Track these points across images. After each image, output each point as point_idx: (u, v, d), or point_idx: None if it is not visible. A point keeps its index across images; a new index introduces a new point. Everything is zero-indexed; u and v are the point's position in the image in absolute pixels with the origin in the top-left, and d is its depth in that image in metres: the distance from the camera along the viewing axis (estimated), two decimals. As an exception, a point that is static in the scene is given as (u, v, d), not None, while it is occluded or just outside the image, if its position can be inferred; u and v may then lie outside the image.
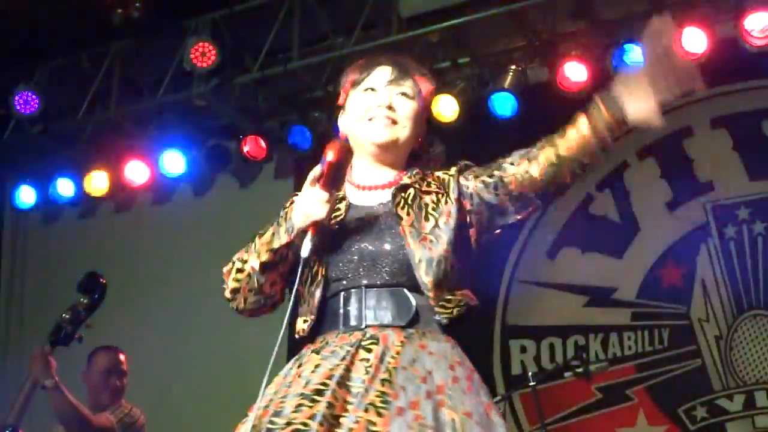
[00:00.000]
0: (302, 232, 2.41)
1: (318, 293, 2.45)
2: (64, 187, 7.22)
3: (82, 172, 7.15)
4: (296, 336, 2.51)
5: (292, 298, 2.45)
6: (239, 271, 2.54)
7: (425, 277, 2.39)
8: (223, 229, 6.52)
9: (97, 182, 7.10)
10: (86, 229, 7.59)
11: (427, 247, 2.41)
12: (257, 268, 2.50)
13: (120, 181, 7.07)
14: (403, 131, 2.56)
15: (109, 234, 7.43)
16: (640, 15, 5.40)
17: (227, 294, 2.58)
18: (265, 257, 2.49)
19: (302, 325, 2.51)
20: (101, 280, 4.51)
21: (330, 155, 2.41)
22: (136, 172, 7.03)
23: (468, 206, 2.50)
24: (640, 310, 5.97)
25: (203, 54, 6.27)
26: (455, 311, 2.42)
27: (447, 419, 2.23)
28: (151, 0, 6.55)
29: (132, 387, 5.23)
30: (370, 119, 2.55)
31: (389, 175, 2.59)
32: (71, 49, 6.86)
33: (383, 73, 2.60)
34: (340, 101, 2.71)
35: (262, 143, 6.70)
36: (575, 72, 5.80)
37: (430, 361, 2.33)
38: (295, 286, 2.45)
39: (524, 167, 2.44)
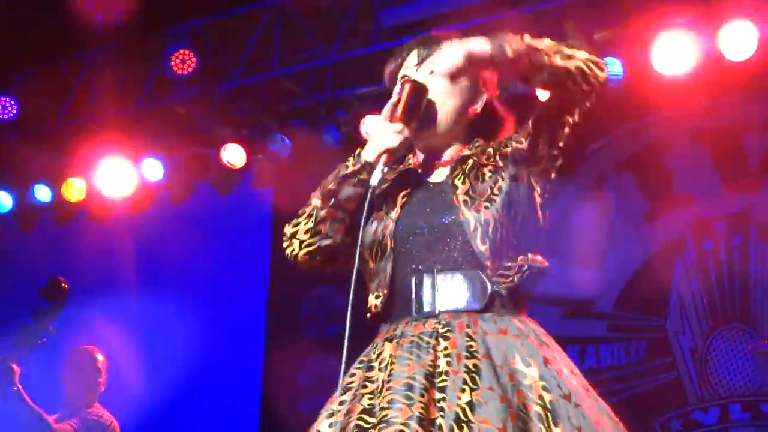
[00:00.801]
0: (371, 165, 2.37)
1: (389, 268, 2.37)
2: (42, 193, 7.18)
3: (59, 178, 7.11)
4: (368, 313, 2.43)
5: (353, 277, 2.33)
6: (300, 215, 2.50)
7: (481, 245, 2.31)
8: (202, 237, 6.50)
9: (75, 188, 7.06)
10: (63, 236, 7.55)
11: (482, 213, 2.34)
12: (320, 201, 2.45)
13: (97, 188, 7.04)
14: (440, 110, 2.47)
15: (87, 240, 7.39)
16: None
17: (284, 242, 2.52)
18: (330, 186, 2.44)
19: (374, 301, 2.42)
20: (63, 285, 4.48)
21: (408, 85, 2.39)
22: (114, 178, 6.99)
23: (520, 168, 2.44)
24: (617, 322, 5.99)
25: (183, 61, 6.25)
26: (516, 278, 2.34)
27: (536, 405, 2.15)
28: (132, 7, 6.53)
29: (109, 389, 5.22)
30: None
31: (451, 150, 2.53)
32: (51, 54, 6.83)
33: (412, 57, 2.55)
34: None
35: (242, 151, 6.68)
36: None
37: (512, 345, 2.25)
38: (368, 221, 2.39)
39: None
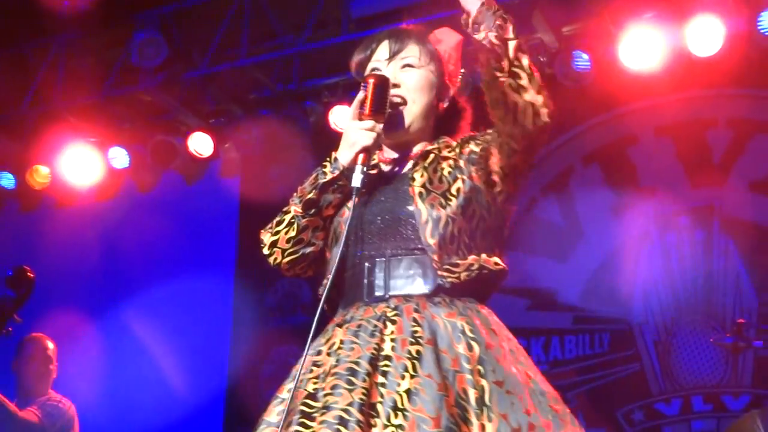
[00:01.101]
0: (349, 169, 2.38)
1: (339, 254, 2.37)
2: (5, 180, 7.11)
3: (24, 165, 7.04)
4: (319, 295, 2.43)
5: (335, 263, 2.35)
6: (278, 223, 2.50)
7: (430, 239, 2.33)
8: (169, 226, 6.46)
9: (39, 176, 7.00)
10: (27, 223, 7.48)
11: (436, 208, 2.36)
12: (300, 210, 2.45)
13: (63, 175, 6.97)
14: (412, 107, 2.50)
15: (52, 228, 7.33)
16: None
17: (264, 250, 2.52)
18: (310, 195, 2.44)
19: (321, 288, 2.45)
20: (29, 274, 4.45)
21: (372, 80, 2.40)
22: (80, 166, 6.92)
23: (478, 169, 2.43)
24: (582, 314, 6.03)
25: (150, 49, 6.20)
26: (463, 275, 2.34)
27: (473, 390, 2.17)
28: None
29: (73, 377, 5.20)
30: None
31: (420, 146, 2.54)
32: (16, 40, 6.76)
33: (383, 49, 2.55)
34: None
35: (209, 140, 6.64)
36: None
37: (458, 329, 2.26)
38: (351, 219, 2.36)
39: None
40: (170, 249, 6.91)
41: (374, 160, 2.54)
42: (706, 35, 5.44)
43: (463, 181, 2.41)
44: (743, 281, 5.71)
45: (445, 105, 2.58)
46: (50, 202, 7.41)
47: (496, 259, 2.41)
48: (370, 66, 2.55)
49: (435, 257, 2.33)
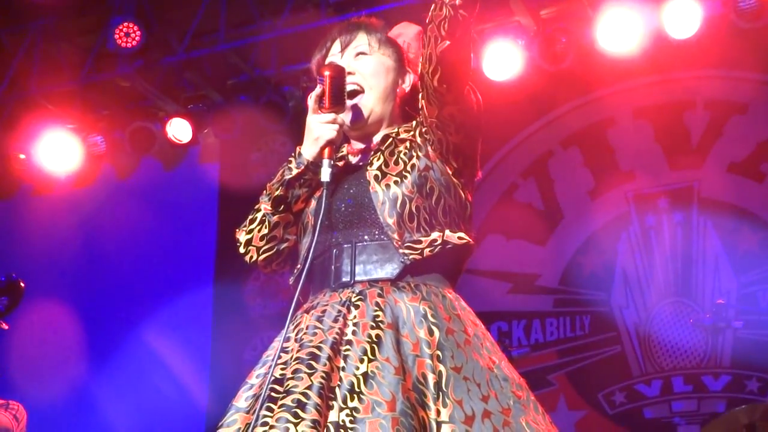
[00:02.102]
0: (315, 163, 2.42)
1: (308, 243, 2.41)
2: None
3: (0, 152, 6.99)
4: (289, 284, 2.49)
5: (310, 251, 2.37)
6: (251, 221, 2.54)
7: (388, 219, 2.36)
8: (148, 213, 6.44)
9: (16, 163, 6.94)
10: (3, 212, 7.43)
11: (391, 188, 2.39)
12: (270, 207, 2.50)
13: (40, 162, 6.92)
14: (370, 94, 2.54)
15: (28, 217, 7.29)
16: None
17: (240, 249, 2.57)
18: (278, 192, 2.48)
19: (291, 276, 2.50)
20: (21, 283, 4.44)
21: (327, 72, 2.43)
22: (57, 152, 6.85)
23: (433, 144, 2.44)
24: (563, 296, 6.05)
25: (127, 34, 6.16)
26: (426, 251, 2.35)
27: (432, 375, 2.18)
28: (75, -23, 6.43)
29: (53, 368, 5.17)
30: None
31: (380, 134, 2.57)
32: (-9, 26, 6.71)
33: (336, 45, 2.60)
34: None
35: (188, 126, 6.60)
36: (497, 64, 5.85)
37: (420, 314, 2.28)
38: (322, 210, 2.37)
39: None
40: (149, 236, 6.88)
41: (342, 151, 2.58)
42: (684, 17, 5.45)
43: (418, 158, 2.43)
44: (722, 262, 5.74)
45: (407, 89, 2.60)
46: (28, 189, 7.36)
47: (461, 234, 2.42)
48: (326, 62, 2.58)
49: (395, 236, 2.35)
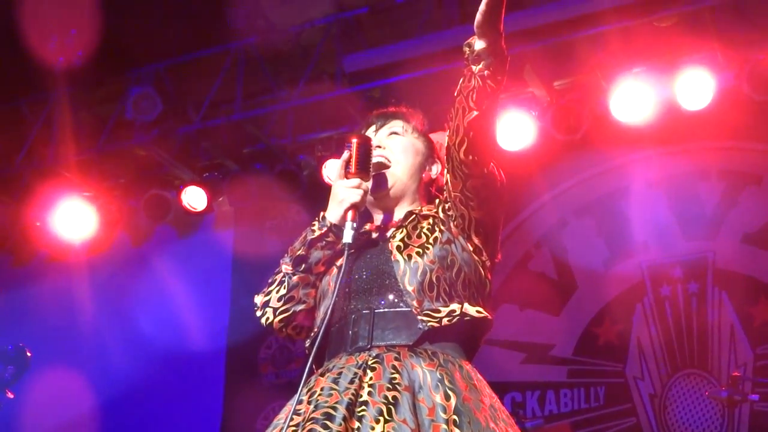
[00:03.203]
0: (337, 226, 2.47)
1: (328, 309, 2.43)
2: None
3: (16, 220, 7.03)
4: (305, 349, 2.51)
5: (330, 311, 2.41)
6: (270, 284, 2.57)
7: (408, 286, 2.41)
8: (162, 280, 6.45)
9: (33, 230, 6.98)
10: (19, 279, 7.45)
11: (413, 258, 2.44)
12: (290, 267, 2.53)
13: (56, 230, 6.95)
14: (397, 168, 2.62)
15: (44, 284, 7.30)
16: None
17: (257, 312, 2.59)
18: (299, 252, 2.52)
19: (308, 340, 2.53)
20: (27, 353, 4.48)
21: (354, 139, 2.52)
22: (73, 220, 6.90)
23: (456, 219, 2.50)
24: (577, 367, 6.00)
25: (145, 104, 6.23)
26: (444, 321, 2.38)
27: None
28: (94, 48, 6.52)
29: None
30: None
31: (401, 210, 2.63)
32: (11, 95, 6.78)
33: (373, 126, 2.71)
34: None
35: (203, 194, 6.64)
36: (511, 134, 5.90)
37: (436, 379, 2.29)
38: (342, 274, 2.41)
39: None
40: (163, 303, 6.88)
41: (365, 228, 2.63)
42: (697, 89, 5.50)
43: (441, 232, 2.50)
44: (738, 334, 5.70)
45: (433, 175, 2.69)
46: (43, 256, 7.39)
47: (479, 308, 2.46)
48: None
49: (414, 303, 2.39)
